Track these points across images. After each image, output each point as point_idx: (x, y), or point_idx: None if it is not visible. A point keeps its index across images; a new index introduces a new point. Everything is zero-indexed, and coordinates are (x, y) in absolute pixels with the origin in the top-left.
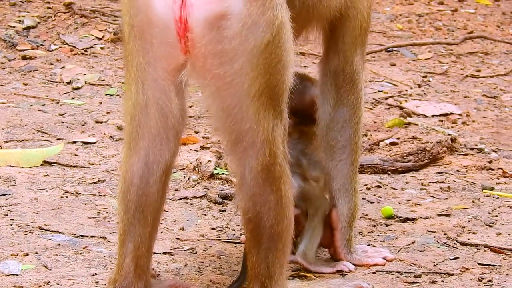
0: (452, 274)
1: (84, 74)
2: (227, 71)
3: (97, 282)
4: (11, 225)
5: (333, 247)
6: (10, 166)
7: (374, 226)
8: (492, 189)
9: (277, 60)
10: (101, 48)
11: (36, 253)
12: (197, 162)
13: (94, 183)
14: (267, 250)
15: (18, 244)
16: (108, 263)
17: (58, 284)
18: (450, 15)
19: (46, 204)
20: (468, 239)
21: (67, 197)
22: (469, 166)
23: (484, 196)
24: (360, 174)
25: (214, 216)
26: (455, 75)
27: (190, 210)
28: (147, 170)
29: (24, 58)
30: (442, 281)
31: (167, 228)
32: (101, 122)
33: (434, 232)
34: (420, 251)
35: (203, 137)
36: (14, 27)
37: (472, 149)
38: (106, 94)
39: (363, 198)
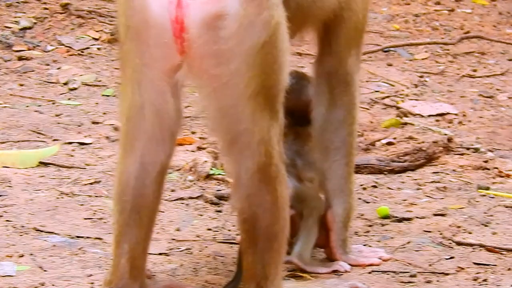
0: (448, 274)
1: (81, 75)
2: (224, 71)
3: (93, 283)
4: (6, 226)
5: (328, 247)
6: (6, 167)
7: (370, 226)
8: (488, 188)
9: (273, 60)
10: (98, 49)
11: (32, 254)
12: (193, 162)
13: (90, 184)
14: (262, 251)
15: (13, 245)
16: (103, 264)
17: (53, 285)
18: (447, 15)
19: (41, 205)
20: (464, 238)
21: (63, 198)
22: (465, 166)
23: (480, 195)
24: (356, 174)
25: (210, 217)
26: (452, 75)
27: (186, 210)
28: (142, 171)
29: (20, 59)
30: (438, 281)
31: (163, 229)
32: (98, 123)
33: (429, 232)
34: (416, 251)
35: (199, 138)
36: (10, 27)
37: (468, 148)
38: (103, 95)
39: (359, 198)
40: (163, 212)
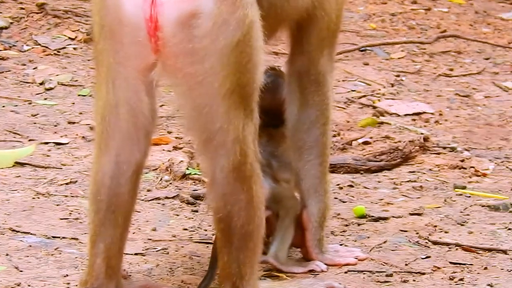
0: (424, 273)
1: (57, 75)
2: (198, 70)
3: (69, 284)
4: None
5: (304, 247)
6: None
7: (346, 225)
8: (464, 188)
9: (247, 59)
10: (74, 48)
11: (7, 254)
12: (169, 162)
13: (66, 184)
14: (238, 250)
15: None
16: (79, 264)
17: (29, 285)
18: (424, 14)
19: (17, 205)
20: (440, 238)
21: (39, 198)
22: (441, 165)
23: (456, 195)
24: (333, 173)
25: (186, 217)
26: (428, 74)
27: (162, 210)
28: (117, 170)
29: None
30: (414, 280)
31: (139, 229)
32: (74, 123)
33: (406, 231)
34: (392, 250)
35: (175, 138)
36: None
37: (444, 148)
38: (79, 95)
39: (335, 198)
40: (139, 212)
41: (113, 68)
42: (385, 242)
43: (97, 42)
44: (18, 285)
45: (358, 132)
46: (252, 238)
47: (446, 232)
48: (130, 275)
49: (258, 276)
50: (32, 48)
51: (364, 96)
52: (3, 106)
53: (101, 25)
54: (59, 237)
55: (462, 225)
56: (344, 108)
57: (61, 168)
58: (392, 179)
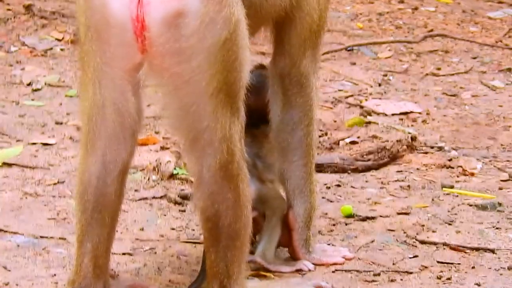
0: (411, 273)
1: (44, 76)
2: (185, 69)
3: (57, 283)
4: None
5: (291, 246)
6: None
7: (334, 225)
8: (452, 187)
9: (234, 57)
10: (61, 49)
11: None
12: (156, 162)
13: (54, 184)
14: (225, 249)
15: None
16: (67, 264)
17: (17, 285)
18: (411, 14)
19: (5, 205)
20: (428, 237)
21: (26, 198)
22: (429, 165)
23: (444, 194)
24: (320, 173)
25: (173, 216)
26: (415, 74)
27: (150, 210)
28: (104, 170)
29: None
30: (401, 280)
31: (127, 229)
32: (61, 124)
33: (393, 230)
34: (379, 249)
35: (163, 138)
36: None
37: (432, 147)
38: (66, 96)
39: (322, 197)
40: (126, 212)
41: (100, 68)
42: (372, 241)
43: (83, 43)
44: (6, 285)
45: (345, 132)
46: (239, 237)
47: (433, 232)
48: (118, 275)
49: (245, 275)
50: (19, 49)
51: (352, 95)
52: None
53: (87, 26)
54: (47, 237)
55: (449, 224)
56: (331, 108)
57: (48, 169)
58: (380, 178)
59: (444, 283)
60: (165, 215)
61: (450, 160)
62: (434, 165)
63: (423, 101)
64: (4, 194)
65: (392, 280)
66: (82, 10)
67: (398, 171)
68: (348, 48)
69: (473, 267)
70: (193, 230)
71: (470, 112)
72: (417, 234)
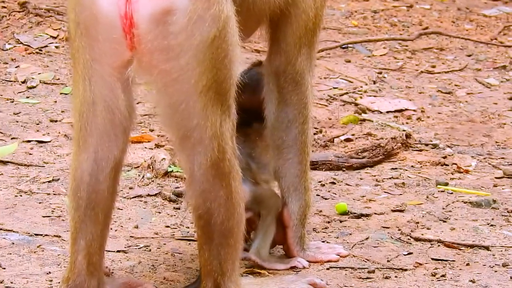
0: (406, 270)
1: (39, 73)
2: (174, 66)
3: (51, 281)
4: None
5: (286, 244)
6: None
7: (328, 222)
8: (446, 184)
9: (223, 54)
10: (56, 47)
11: None
12: (151, 160)
13: (49, 182)
14: (219, 247)
15: None
16: (62, 262)
17: (12, 282)
18: (406, 11)
19: (0, 203)
20: (422, 234)
21: (21, 196)
22: (423, 162)
23: (438, 191)
24: (315, 170)
25: (168, 214)
26: (410, 71)
27: (145, 208)
28: (96, 167)
29: None
30: (396, 277)
31: (121, 226)
32: (56, 121)
33: (388, 228)
34: (374, 247)
35: (157, 135)
36: None
37: (426, 144)
38: (61, 93)
39: (317, 195)
40: (121, 209)
41: (89, 65)
42: (367, 238)
43: (73, 40)
44: (1, 282)
45: (340, 129)
46: (233, 235)
47: (428, 229)
48: (112, 272)
49: (239, 273)
50: (14, 46)
51: (346, 93)
52: None
53: (76, 22)
54: (41, 235)
55: (444, 221)
56: (326, 106)
57: (43, 166)
58: (374, 176)
59: (439, 280)
60: (159, 213)
61: (444, 157)
62: (428, 162)
63: (418, 98)
64: None
65: (386, 277)
66: (71, 7)
67: (392, 169)
68: (343, 46)
69: (467, 264)
70: (188, 227)
71: (464, 110)
72: (411, 231)
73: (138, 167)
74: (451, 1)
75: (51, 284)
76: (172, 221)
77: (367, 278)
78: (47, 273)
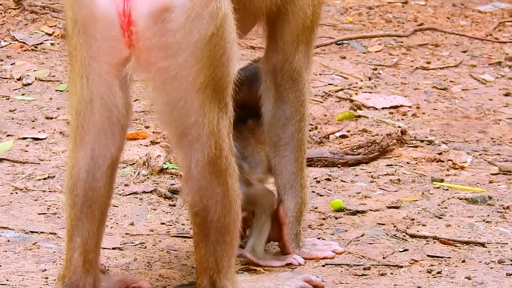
0: (401, 266)
1: (34, 70)
2: (172, 64)
3: (47, 278)
4: None
5: (282, 241)
6: None
7: (324, 219)
8: (442, 181)
9: (221, 52)
10: (51, 44)
11: None
12: (146, 157)
13: (44, 179)
14: (215, 244)
15: None
16: (57, 259)
17: (7, 280)
18: (401, 7)
19: None
20: (418, 231)
21: (17, 193)
22: (419, 158)
23: (434, 188)
24: (310, 167)
25: (163, 211)
26: (405, 67)
27: (140, 205)
28: (93, 164)
29: None
30: (391, 273)
31: (117, 223)
32: (51, 118)
33: (383, 224)
34: (370, 243)
35: (153, 132)
36: None
37: (422, 141)
38: (57, 90)
39: (312, 191)
40: (116, 206)
41: (87, 63)
42: (362, 235)
43: (70, 37)
44: None
45: (335, 126)
46: (229, 232)
47: (423, 225)
48: (108, 269)
49: (235, 270)
50: (10, 43)
51: (341, 89)
52: None
53: (74, 20)
54: (37, 232)
55: (439, 218)
56: (321, 102)
57: (39, 163)
58: (370, 172)
59: (435, 277)
60: (155, 210)
61: (440, 153)
62: (424, 158)
63: (413, 95)
64: None
65: (382, 274)
66: (69, 4)
67: (388, 165)
68: (338, 42)
69: (463, 261)
70: (183, 224)
71: (460, 106)
72: (407, 228)
73: (134, 164)
74: None
75: (46, 282)
76: (168, 218)
77: (363, 275)
78: (43, 271)
